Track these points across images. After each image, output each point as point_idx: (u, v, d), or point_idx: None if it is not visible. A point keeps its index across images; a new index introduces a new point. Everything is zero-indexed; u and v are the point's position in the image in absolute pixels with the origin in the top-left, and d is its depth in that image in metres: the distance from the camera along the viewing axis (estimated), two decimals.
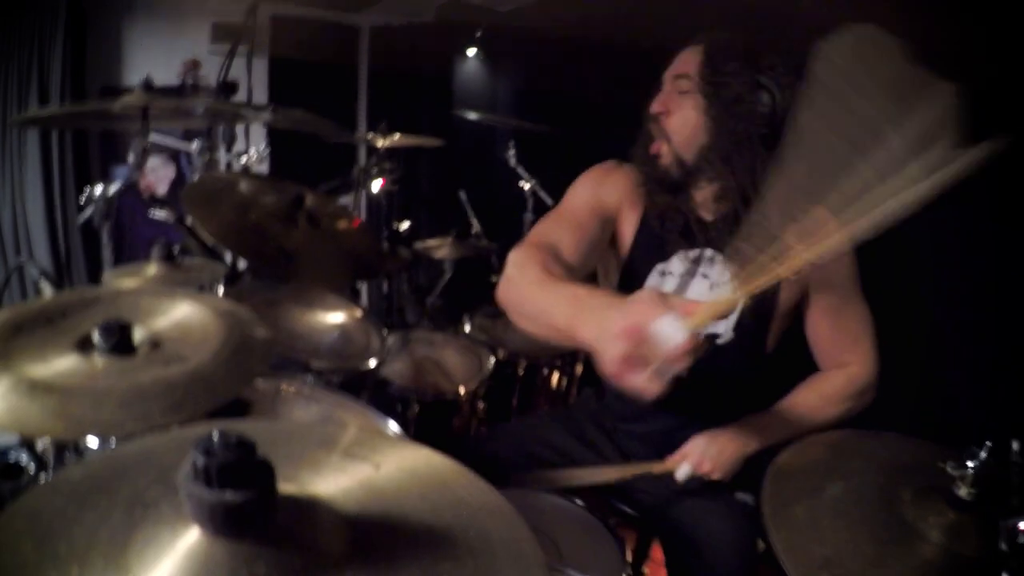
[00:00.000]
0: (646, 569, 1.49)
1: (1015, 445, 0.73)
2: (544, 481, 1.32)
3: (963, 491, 0.74)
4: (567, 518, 1.26)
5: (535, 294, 1.04)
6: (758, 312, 1.28)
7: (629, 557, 1.22)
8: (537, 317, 1.03)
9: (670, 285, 1.31)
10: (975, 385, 1.61)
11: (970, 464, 0.74)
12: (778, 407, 1.29)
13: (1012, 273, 1.50)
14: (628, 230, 1.36)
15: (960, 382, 1.64)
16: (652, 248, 1.33)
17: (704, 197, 1.30)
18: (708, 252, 1.30)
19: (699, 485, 1.27)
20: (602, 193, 1.35)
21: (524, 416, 2.15)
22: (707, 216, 1.31)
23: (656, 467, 1.28)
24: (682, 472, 1.23)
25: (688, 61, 1.24)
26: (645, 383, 0.74)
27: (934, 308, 1.66)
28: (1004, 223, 1.51)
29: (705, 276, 1.30)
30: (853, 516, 0.79)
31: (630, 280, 1.36)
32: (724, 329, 1.30)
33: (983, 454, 0.73)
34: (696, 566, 1.25)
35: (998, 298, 1.55)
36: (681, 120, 1.23)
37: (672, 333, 0.71)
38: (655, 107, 1.26)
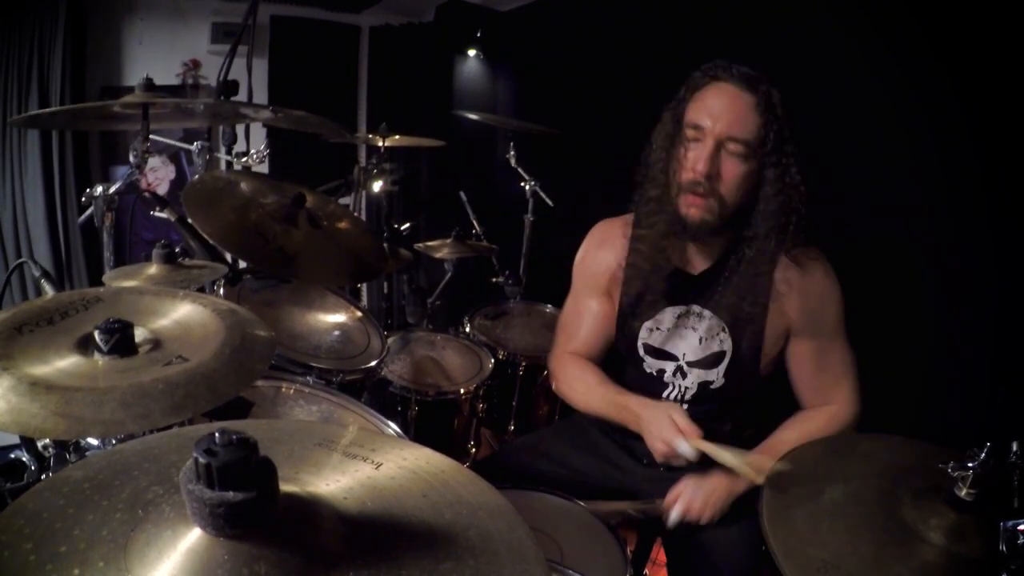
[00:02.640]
0: (647, 570, 1.49)
1: (1015, 445, 0.73)
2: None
3: (963, 492, 0.74)
4: (568, 518, 1.26)
5: (588, 402, 1.41)
6: (746, 357, 1.31)
7: (630, 558, 1.22)
8: (595, 411, 1.41)
9: (658, 339, 1.36)
10: (975, 386, 1.61)
11: (970, 465, 0.74)
12: (763, 446, 1.28)
13: (1012, 273, 1.50)
14: (618, 288, 1.41)
15: (960, 383, 1.63)
16: (641, 305, 1.36)
17: (698, 250, 1.32)
18: (695, 308, 1.32)
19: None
20: (597, 267, 1.43)
21: (528, 432, 2.14)
22: (692, 271, 1.33)
23: (647, 507, 1.28)
24: (673, 516, 1.23)
25: (743, 123, 1.16)
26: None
27: (933, 308, 1.66)
28: (1004, 223, 1.50)
29: (694, 329, 1.33)
30: (853, 519, 0.79)
31: (625, 335, 1.41)
32: (715, 377, 1.34)
33: (983, 455, 0.73)
34: (700, 568, 1.25)
35: (998, 299, 1.55)
36: (735, 184, 1.20)
37: (686, 450, 1.18)
38: (703, 168, 1.17)
